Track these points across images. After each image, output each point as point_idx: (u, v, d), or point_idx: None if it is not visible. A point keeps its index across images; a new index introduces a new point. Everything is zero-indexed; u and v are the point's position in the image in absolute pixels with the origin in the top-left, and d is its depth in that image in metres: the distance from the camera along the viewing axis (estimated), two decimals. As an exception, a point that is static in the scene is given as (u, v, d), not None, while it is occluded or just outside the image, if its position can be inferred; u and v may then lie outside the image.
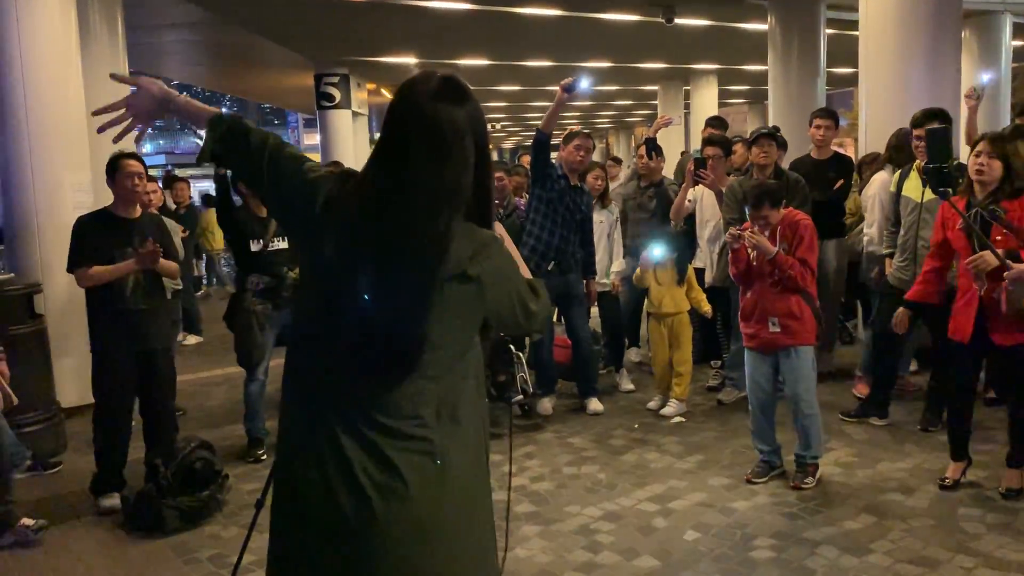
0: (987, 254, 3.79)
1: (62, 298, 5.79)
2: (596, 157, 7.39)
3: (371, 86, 18.07)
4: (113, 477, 4.50)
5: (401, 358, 1.62)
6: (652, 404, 5.74)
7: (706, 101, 19.45)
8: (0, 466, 4.13)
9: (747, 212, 4.45)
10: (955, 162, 4.49)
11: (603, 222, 6.21)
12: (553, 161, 5.63)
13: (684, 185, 6.17)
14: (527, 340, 5.99)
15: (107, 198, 4.65)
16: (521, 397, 5.56)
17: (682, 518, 4.01)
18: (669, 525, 3.94)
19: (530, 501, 4.30)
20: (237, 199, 5.18)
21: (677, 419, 5.49)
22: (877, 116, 6.76)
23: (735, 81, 20.66)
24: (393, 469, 1.61)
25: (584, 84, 5.08)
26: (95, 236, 4.38)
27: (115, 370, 4.44)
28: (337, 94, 15.62)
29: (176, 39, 13.77)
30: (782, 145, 6.05)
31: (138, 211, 4.55)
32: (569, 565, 3.60)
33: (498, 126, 30.12)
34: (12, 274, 5.75)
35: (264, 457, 5.05)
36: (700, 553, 3.64)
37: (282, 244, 5.03)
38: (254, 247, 5.05)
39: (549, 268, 5.56)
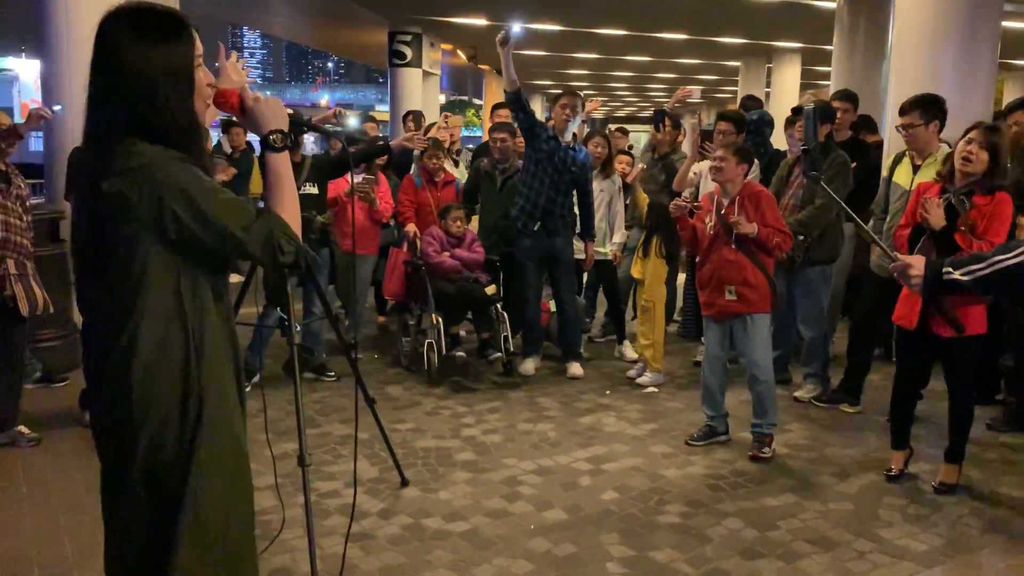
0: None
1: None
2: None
3: (447, 47, 18.26)
4: None
5: (84, 264, 1.89)
6: (631, 372, 5.82)
7: (788, 80, 18.94)
8: (13, 375, 4.55)
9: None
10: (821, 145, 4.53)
11: (604, 191, 6.25)
12: (545, 121, 5.73)
13: (689, 157, 6.16)
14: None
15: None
16: (500, 355, 5.78)
17: (608, 479, 4.11)
18: (592, 484, 4.05)
19: (473, 451, 4.47)
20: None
21: (650, 389, 5.56)
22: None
23: (821, 62, 19.97)
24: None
25: (515, 30, 5.21)
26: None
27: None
28: (409, 52, 15.84)
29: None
30: (829, 119, 5.88)
31: None
32: (481, 510, 3.76)
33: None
34: (42, 200, 6.19)
35: (247, 388, 5.35)
36: (609, 512, 3.75)
37: (312, 189, 5.25)
38: None
39: (535, 228, 5.67)
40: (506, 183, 6.13)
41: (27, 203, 4.51)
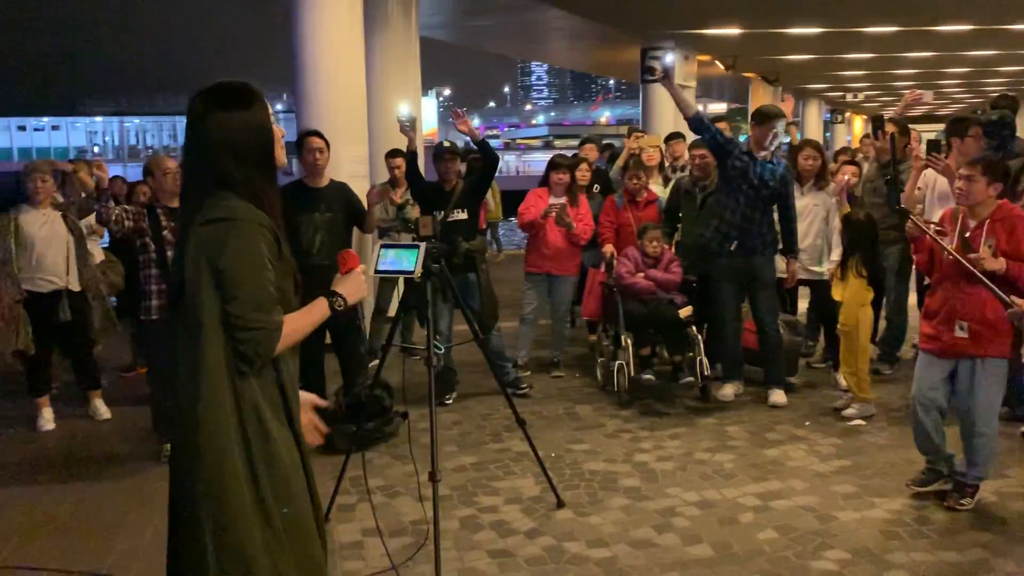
0: None
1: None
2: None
3: (703, 57, 17.95)
4: None
5: (173, 301, 2.12)
6: (839, 402, 5.39)
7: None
8: None
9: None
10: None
11: (818, 205, 5.86)
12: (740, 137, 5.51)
13: (914, 170, 5.60)
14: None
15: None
16: (692, 379, 5.62)
17: (772, 517, 3.87)
18: (752, 522, 3.83)
19: (640, 477, 4.41)
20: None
21: (857, 421, 5.12)
22: None
23: None
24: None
25: (667, 60, 5.05)
26: (284, 201, 5.16)
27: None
28: (660, 67, 15.78)
29: (508, 20, 14.96)
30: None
31: (324, 181, 5.19)
32: (626, 538, 3.71)
33: (860, 96, 27.92)
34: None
35: (449, 402, 5.69)
36: (761, 552, 3.54)
37: (462, 215, 5.54)
38: (436, 217, 5.61)
39: (732, 248, 5.45)
40: (706, 200, 5.96)
41: None
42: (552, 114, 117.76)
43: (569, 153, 7.65)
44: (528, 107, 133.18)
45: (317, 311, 2.20)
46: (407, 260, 3.32)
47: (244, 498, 2.01)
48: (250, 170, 2.13)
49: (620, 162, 6.78)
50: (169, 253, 4.72)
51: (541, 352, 6.71)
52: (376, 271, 3.34)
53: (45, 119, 71.84)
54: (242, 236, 2.04)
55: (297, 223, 4.95)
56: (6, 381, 6.04)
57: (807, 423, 5.16)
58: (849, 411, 5.21)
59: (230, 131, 2.10)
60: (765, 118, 5.43)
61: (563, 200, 6.12)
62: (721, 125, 6.56)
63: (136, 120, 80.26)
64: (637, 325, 5.62)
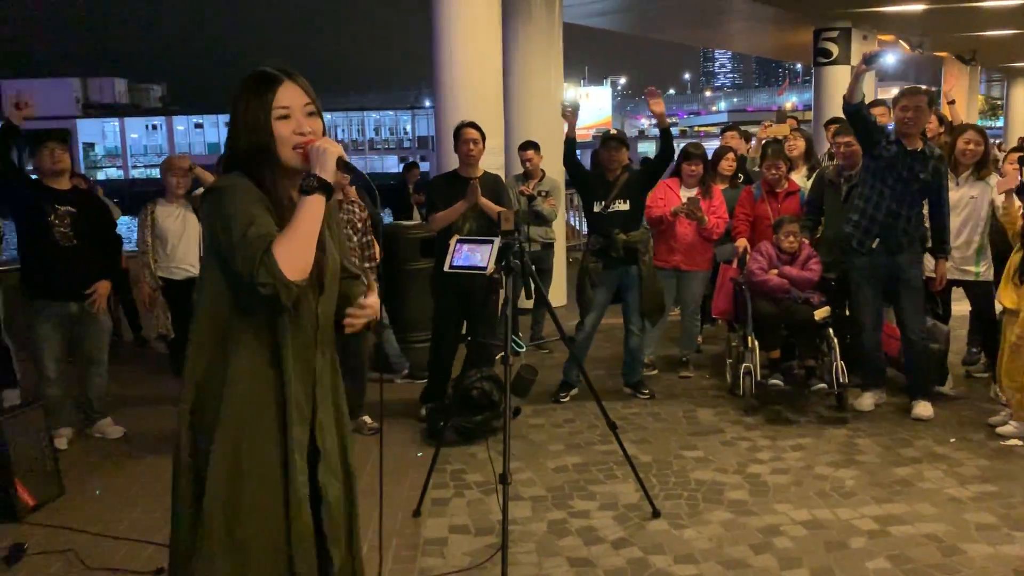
0: None
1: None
2: None
3: (886, 37, 16.70)
4: (435, 391, 5.40)
5: None
6: (996, 418, 4.81)
7: None
8: (357, 373, 5.34)
9: None
10: None
11: (976, 197, 5.25)
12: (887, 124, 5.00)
13: None
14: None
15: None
16: (823, 386, 5.23)
17: (886, 544, 3.49)
18: (864, 548, 3.47)
19: (749, 490, 4.11)
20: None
21: (1013, 441, 4.55)
22: None
23: None
24: None
25: (886, 59, 4.49)
26: (442, 190, 5.23)
27: (446, 304, 5.29)
28: (835, 49, 14.82)
29: (674, 4, 14.51)
30: None
31: (478, 172, 5.20)
32: (718, 556, 3.46)
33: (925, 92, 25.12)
34: (417, 222, 7.08)
35: (565, 399, 5.57)
36: (866, 584, 3.19)
37: (623, 206, 5.36)
38: (596, 208, 5.47)
39: (873, 246, 4.98)
40: (851, 192, 5.48)
41: (358, 226, 5.15)
42: (734, 100, 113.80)
43: (750, 141, 7.26)
44: (708, 93, 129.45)
45: (301, 211, 1.96)
46: (481, 255, 3.23)
47: (186, 502, 2.06)
48: (239, 153, 2.07)
49: (754, 152, 6.37)
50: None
51: (672, 350, 6.46)
52: (450, 267, 3.28)
53: (249, 116, 77.79)
54: (226, 191, 2.00)
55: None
56: (156, 361, 6.50)
57: (952, 440, 4.64)
58: (1006, 428, 4.65)
59: (234, 116, 2.07)
60: (896, 98, 4.92)
61: (695, 192, 5.83)
62: (878, 111, 6.03)
63: (328, 115, 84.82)
64: (767, 325, 5.26)
